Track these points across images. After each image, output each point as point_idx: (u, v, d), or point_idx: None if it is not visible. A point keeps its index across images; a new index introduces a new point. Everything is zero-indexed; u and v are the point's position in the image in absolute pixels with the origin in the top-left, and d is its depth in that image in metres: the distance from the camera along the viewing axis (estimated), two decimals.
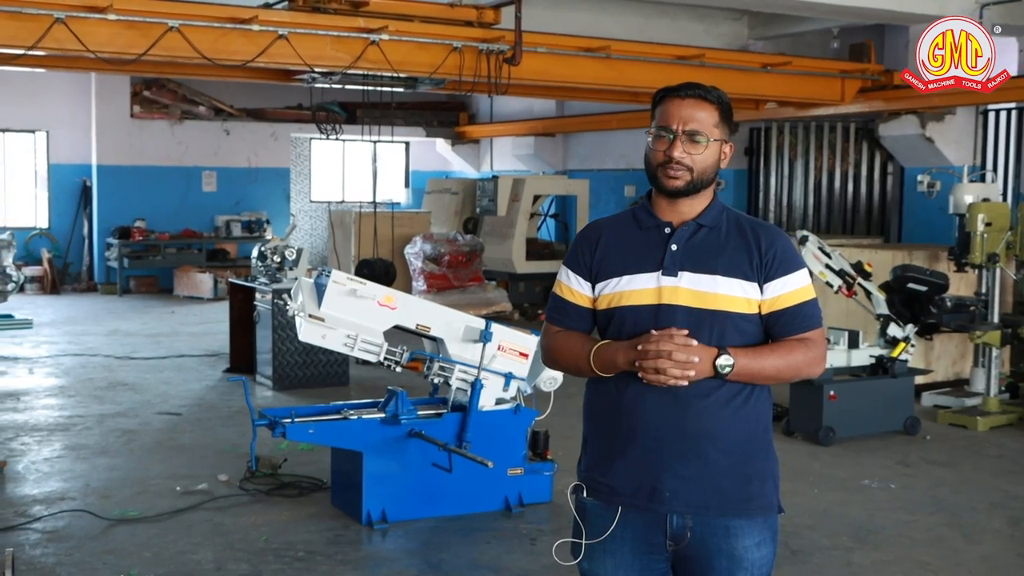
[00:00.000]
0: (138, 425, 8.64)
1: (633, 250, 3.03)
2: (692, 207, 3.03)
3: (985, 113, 12.58)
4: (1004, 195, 11.90)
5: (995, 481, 7.46)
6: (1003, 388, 9.53)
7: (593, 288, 3.06)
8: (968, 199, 9.34)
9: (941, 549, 6.07)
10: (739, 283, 2.95)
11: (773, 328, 2.99)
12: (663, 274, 2.96)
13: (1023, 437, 8.76)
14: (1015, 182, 12.43)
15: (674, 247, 2.99)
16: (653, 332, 2.87)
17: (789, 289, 2.98)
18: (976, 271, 9.43)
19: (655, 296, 2.96)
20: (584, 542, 3.08)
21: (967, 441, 8.59)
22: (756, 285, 2.96)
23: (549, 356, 3.19)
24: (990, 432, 8.86)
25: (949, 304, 9.00)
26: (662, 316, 2.93)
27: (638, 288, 2.98)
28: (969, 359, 10.12)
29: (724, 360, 2.86)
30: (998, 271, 9.26)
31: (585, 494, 3.10)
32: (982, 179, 10.28)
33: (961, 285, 10.04)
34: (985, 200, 9.29)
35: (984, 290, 9.35)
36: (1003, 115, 12.47)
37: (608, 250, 3.06)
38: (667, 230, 3.02)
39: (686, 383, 2.85)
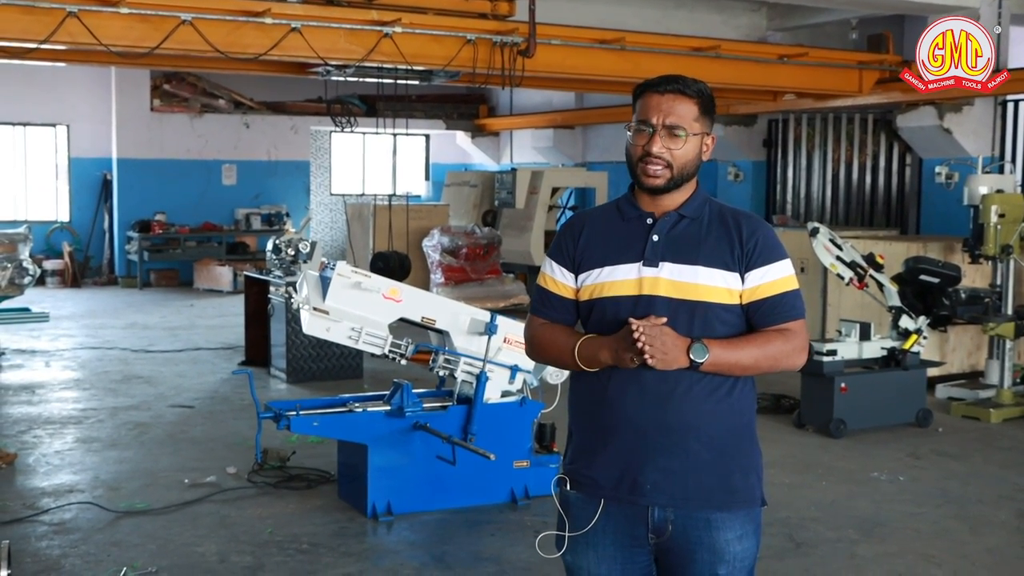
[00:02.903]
0: (150, 418, 8.70)
1: (615, 241, 3.03)
2: (674, 198, 3.02)
3: (1004, 104, 12.47)
4: (1023, 186, 11.79)
5: (1004, 473, 7.42)
6: (1017, 380, 9.47)
7: (576, 279, 3.06)
8: (982, 190, 9.28)
9: (946, 541, 6.04)
10: (720, 273, 2.94)
11: (753, 317, 2.98)
12: (644, 265, 2.96)
13: None
14: None
15: (655, 238, 2.98)
16: (631, 320, 2.85)
17: (770, 279, 2.96)
18: (990, 262, 9.36)
19: (636, 287, 2.96)
20: (567, 535, 3.08)
21: (979, 433, 8.54)
22: (737, 275, 2.95)
23: (533, 348, 3.18)
24: (1003, 424, 8.82)
25: (963, 296, 8.94)
26: (642, 307, 2.93)
27: (619, 279, 2.98)
28: (984, 351, 10.04)
29: (698, 349, 2.85)
30: (1012, 262, 9.18)
31: (569, 487, 3.10)
32: (1001, 170, 10.19)
33: (976, 277, 9.98)
34: (999, 191, 9.22)
35: (998, 282, 9.28)
36: (1022, 106, 12.35)
37: (590, 241, 3.06)
38: (649, 221, 3.02)
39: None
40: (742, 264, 2.95)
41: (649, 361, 2.82)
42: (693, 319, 2.91)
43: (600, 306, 3.00)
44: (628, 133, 3.01)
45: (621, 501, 2.99)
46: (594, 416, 3.03)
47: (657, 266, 2.95)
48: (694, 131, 2.97)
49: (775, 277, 2.97)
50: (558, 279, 3.10)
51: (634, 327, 2.83)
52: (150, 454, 7.63)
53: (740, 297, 2.96)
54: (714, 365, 2.88)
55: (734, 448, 2.99)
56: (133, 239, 18.38)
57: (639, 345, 2.81)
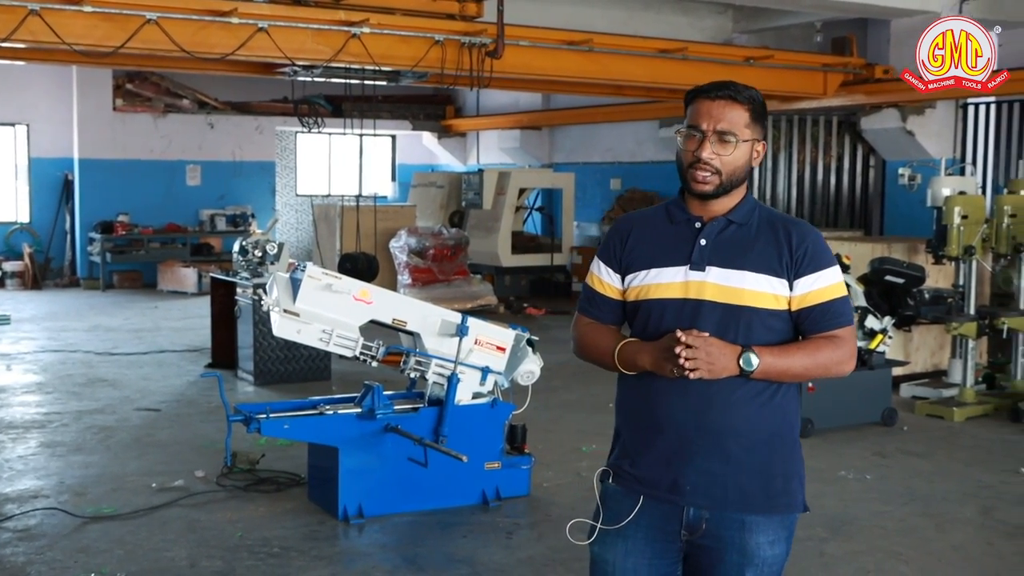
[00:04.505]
0: (116, 421, 8.61)
1: (663, 244, 3.04)
2: (723, 203, 3.03)
3: (965, 107, 12.63)
4: (983, 188, 11.94)
5: (968, 471, 7.51)
6: (980, 379, 9.59)
7: (623, 280, 3.09)
8: (945, 192, 9.39)
9: (913, 539, 6.10)
10: (767, 279, 2.95)
11: (802, 325, 2.99)
12: (691, 268, 2.98)
13: (998, 427, 8.83)
14: (994, 174, 12.48)
15: (703, 242, 3.00)
16: (677, 331, 2.87)
17: (820, 286, 2.97)
18: (953, 263, 9.47)
19: (682, 290, 2.97)
20: (599, 526, 3.11)
21: (943, 432, 8.64)
22: (785, 282, 2.96)
23: (578, 348, 3.22)
24: (966, 422, 8.92)
25: (927, 296, 9.05)
26: (688, 310, 2.95)
27: (665, 282, 3.00)
28: (947, 350, 10.16)
29: (748, 358, 2.87)
30: (974, 263, 9.29)
31: (611, 480, 3.13)
32: (962, 172, 10.30)
33: (939, 277, 10.08)
34: (961, 193, 9.33)
35: (961, 282, 9.38)
36: (982, 108, 12.52)
37: (638, 243, 3.08)
38: (697, 224, 3.03)
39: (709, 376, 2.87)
40: (791, 271, 2.96)
41: (691, 376, 2.84)
42: (739, 324, 2.92)
43: (645, 308, 3.03)
44: (678, 138, 3.03)
45: (659, 500, 3.02)
46: (639, 417, 3.07)
47: (704, 270, 2.97)
48: (744, 137, 2.97)
49: (824, 284, 2.98)
50: (604, 279, 3.13)
51: (678, 338, 2.84)
52: (116, 458, 7.56)
53: (789, 304, 2.97)
54: (764, 373, 2.90)
55: (776, 452, 3.01)
56: (95, 240, 18.19)
57: (680, 361, 2.83)
